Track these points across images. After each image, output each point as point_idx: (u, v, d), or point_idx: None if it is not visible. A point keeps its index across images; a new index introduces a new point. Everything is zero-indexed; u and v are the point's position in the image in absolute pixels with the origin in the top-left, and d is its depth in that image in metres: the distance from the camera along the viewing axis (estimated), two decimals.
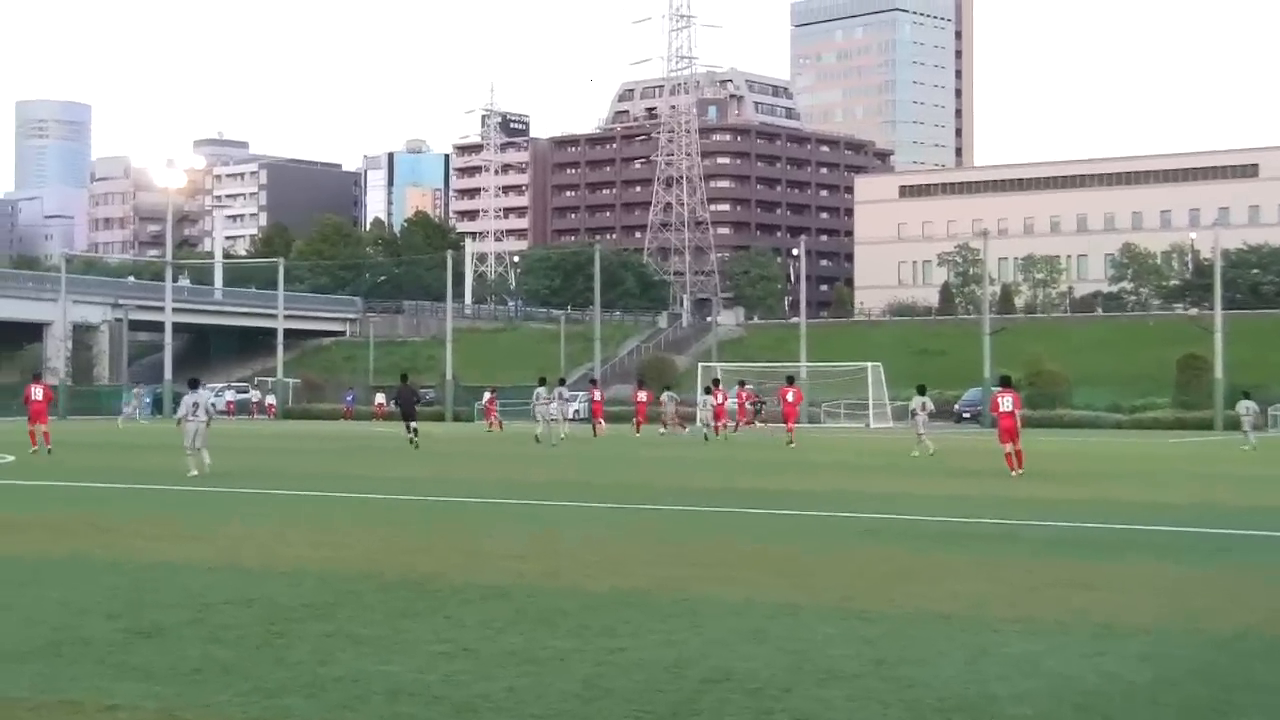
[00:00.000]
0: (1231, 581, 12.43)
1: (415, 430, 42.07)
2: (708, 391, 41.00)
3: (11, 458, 32.84)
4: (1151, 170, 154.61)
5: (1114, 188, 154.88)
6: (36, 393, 38.29)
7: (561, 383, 51.48)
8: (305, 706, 7.46)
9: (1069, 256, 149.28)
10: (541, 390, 46.71)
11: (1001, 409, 28.91)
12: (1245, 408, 46.47)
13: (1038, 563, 13.44)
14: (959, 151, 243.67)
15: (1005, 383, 30.91)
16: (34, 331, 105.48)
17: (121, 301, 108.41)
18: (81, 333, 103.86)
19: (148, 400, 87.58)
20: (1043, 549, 14.72)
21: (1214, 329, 70.20)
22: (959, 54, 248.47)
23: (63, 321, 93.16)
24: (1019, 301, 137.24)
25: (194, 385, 28.93)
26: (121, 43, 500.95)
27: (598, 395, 58.72)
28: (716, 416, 51.68)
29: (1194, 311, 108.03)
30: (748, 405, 60.18)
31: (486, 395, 66.62)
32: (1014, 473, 27.34)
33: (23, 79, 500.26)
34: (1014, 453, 28.00)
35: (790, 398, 48.40)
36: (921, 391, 40.94)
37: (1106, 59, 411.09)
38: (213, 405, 26.30)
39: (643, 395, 58.29)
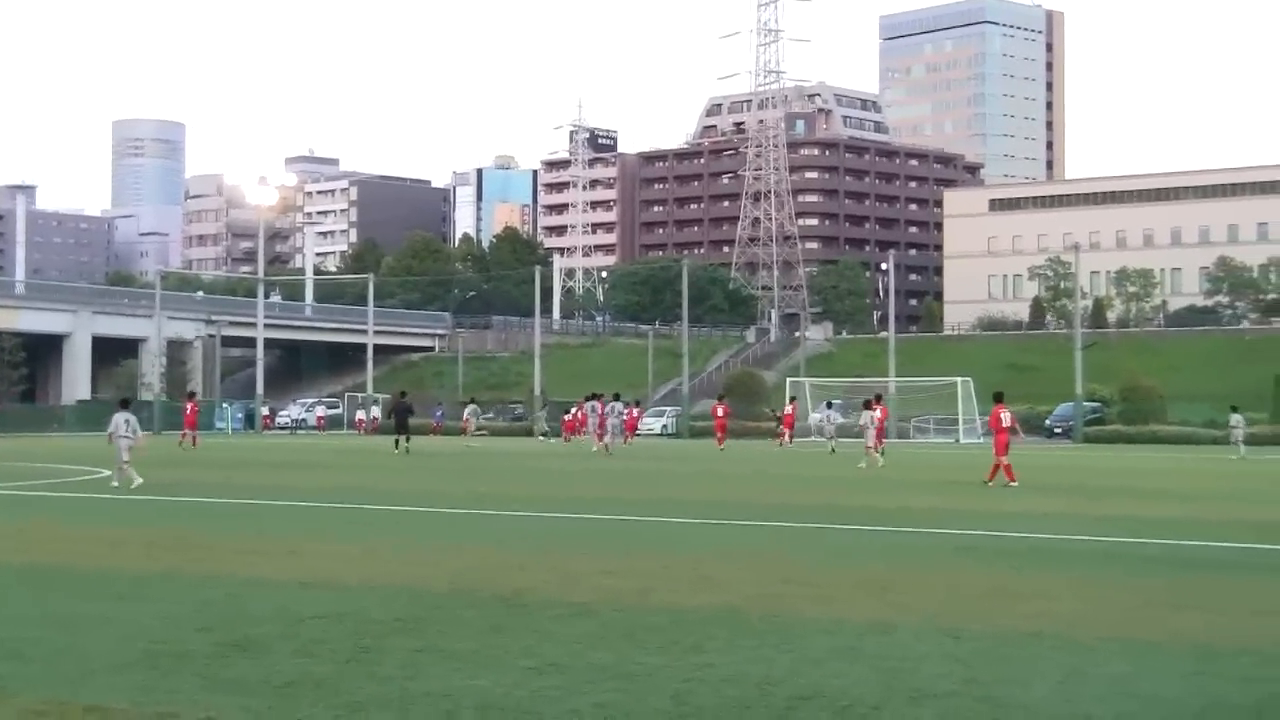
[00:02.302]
0: None
1: (408, 440, 49.41)
2: (868, 406, 41.71)
3: (108, 473, 33.29)
4: (1248, 182, 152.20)
5: (1209, 200, 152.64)
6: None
7: (617, 397, 54.70)
8: None
9: (1163, 270, 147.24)
10: (596, 405, 53.19)
11: (1004, 424, 30.46)
12: (1235, 420, 51.69)
13: (1133, 581, 13.24)
14: (1050, 164, 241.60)
15: (1001, 399, 31.99)
16: (130, 348, 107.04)
17: (214, 318, 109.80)
18: (175, 349, 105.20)
19: (240, 415, 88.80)
20: (1138, 567, 14.51)
21: None
22: (1049, 66, 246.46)
23: (157, 338, 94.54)
24: (1111, 316, 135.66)
25: (125, 404, 30.41)
26: (215, 62, 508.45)
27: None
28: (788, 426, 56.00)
29: None
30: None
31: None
32: (1013, 484, 28.83)
33: (119, 99, 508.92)
34: (1008, 465, 29.56)
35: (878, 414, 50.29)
36: (868, 406, 42.48)
37: (1200, 68, 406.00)
38: (129, 421, 28.00)
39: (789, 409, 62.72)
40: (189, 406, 60.59)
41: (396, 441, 49.81)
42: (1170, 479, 34.55)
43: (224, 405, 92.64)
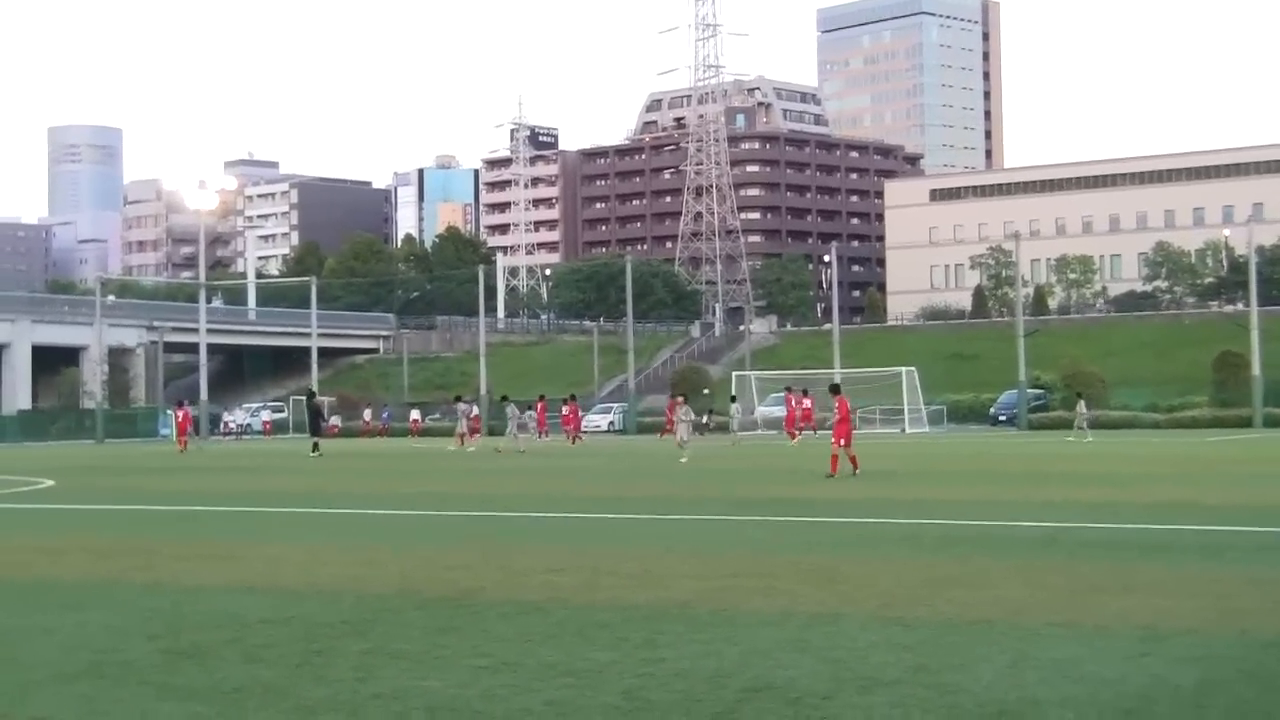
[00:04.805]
0: (1278, 581, 12.31)
1: (317, 445, 49.29)
2: (678, 400, 42.28)
3: (51, 482, 32.99)
4: (1183, 168, 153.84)
5: (1146, 186, 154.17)
6: None
7: (505, 399, 58.39)
8: None
9: (1102, 256, 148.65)
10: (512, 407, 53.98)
11: (845, 413, 30.05)
12: (1081, 407, 58.08)
13: (1078, 565, 13.34)
14: (989, 154, 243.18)
15: (838, 390, 32.31)
16: (70, 356, 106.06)
17: (156, 324, 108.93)
18: (117, 356, 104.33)
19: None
20: (1082, 551, 14.63)
21: (1250, 326, 69.86)
22: (986, 56, 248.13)
23: (99, 345, 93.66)
24: (1053, 303, 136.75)
25: None
26: (151, 66, 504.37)
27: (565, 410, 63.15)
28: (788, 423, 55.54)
29: (1230, 309, 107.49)
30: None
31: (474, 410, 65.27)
32: (856, 472, 28.23)
33: (54, 104, 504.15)
34: (851, 455, 28.90)
35: (808, 404, 56.28)
36: (676, 399, 43.51)
37: (1135, 56, 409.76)
38: None
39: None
40: (180, 414, 61.80)
41: (314, 445, 49.92)
42: (1110, 463, 34.84)
43: (167, 412, 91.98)
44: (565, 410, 62.65)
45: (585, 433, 68.13)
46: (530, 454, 47.93)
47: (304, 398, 57.94)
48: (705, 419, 62.06)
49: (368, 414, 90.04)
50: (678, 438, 39.85)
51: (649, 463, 39.62)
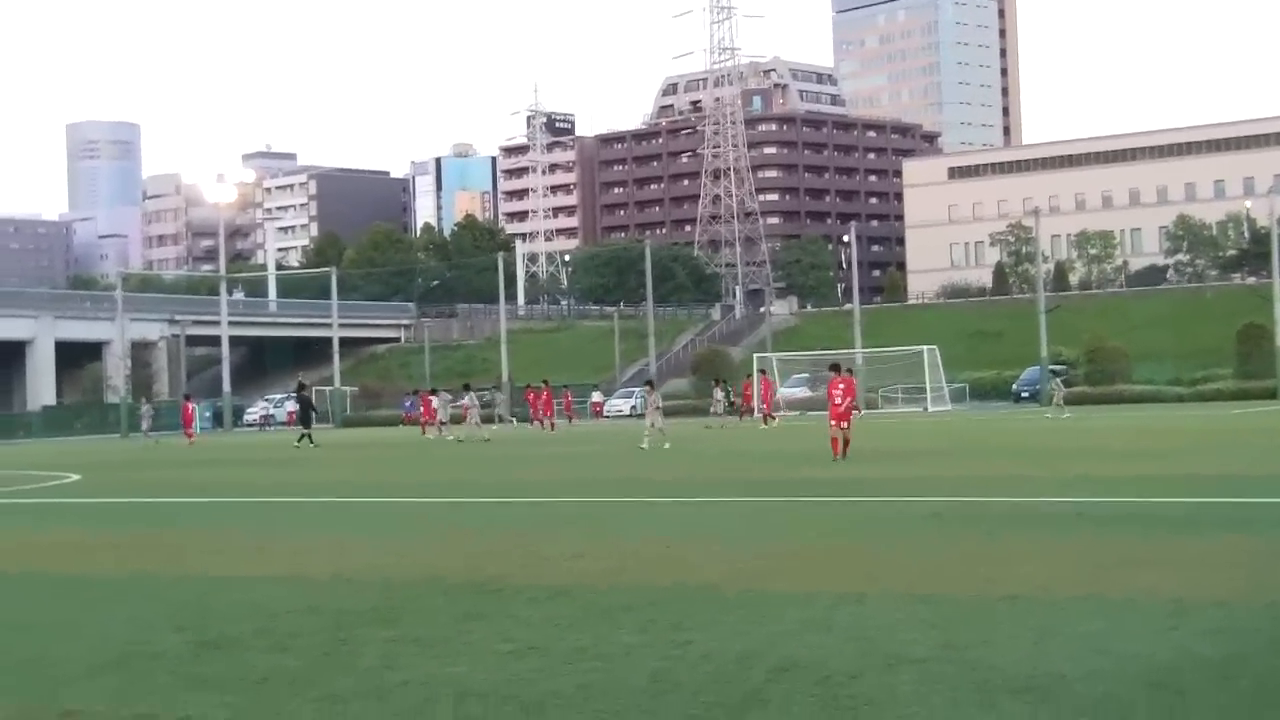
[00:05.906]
0: None
1: (310, 437, 48.07)
2: (650, 387, 42.43)
3: (77, 476, 33.12)
4: (1203, 140, 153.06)
5: (1165, 159, 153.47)
6: None
7: (466, 388, 58.08)
8: (374, 711, 7.46)
9: (1122, 231, 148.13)
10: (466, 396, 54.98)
11: (835, 397, 28.24)
12: (1056, 383, 57.21)
13: (1104, 540, 13.31)
14: (1007, 130, 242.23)
15: (838, 369, 31.01)
16: (93, 351, 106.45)
17: (178, 317, 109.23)
18: (140, 350, 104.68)
19: (208, 414, 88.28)
20: (1109, 526, 14.58)
21: (1273, 298, 69.55)
22: (1002, 32, 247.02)
23: (121, 340, 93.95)
24: (1074, 279, 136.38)
25: None
26: (167, 61, 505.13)
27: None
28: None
29: (1252, 281, 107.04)
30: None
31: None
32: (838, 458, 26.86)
33: (71, 101, 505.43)
34: (834, 439, 27.56)
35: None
36: (650, 386, 42.85)
37: (1153, 28, 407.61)
38: None
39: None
40: (187, 408, 65.52)
41: (301, 436, 48.92)
42: (1135, 438, 34.75)
43: (139, 407, 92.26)
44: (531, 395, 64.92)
45: (607, 417, 68.18)
46: (543, 440, 48.02)
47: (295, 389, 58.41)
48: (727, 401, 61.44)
49: (434, 401, 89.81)
50: (649, 424, 39.31)
51: (670, 445, 39.58)
